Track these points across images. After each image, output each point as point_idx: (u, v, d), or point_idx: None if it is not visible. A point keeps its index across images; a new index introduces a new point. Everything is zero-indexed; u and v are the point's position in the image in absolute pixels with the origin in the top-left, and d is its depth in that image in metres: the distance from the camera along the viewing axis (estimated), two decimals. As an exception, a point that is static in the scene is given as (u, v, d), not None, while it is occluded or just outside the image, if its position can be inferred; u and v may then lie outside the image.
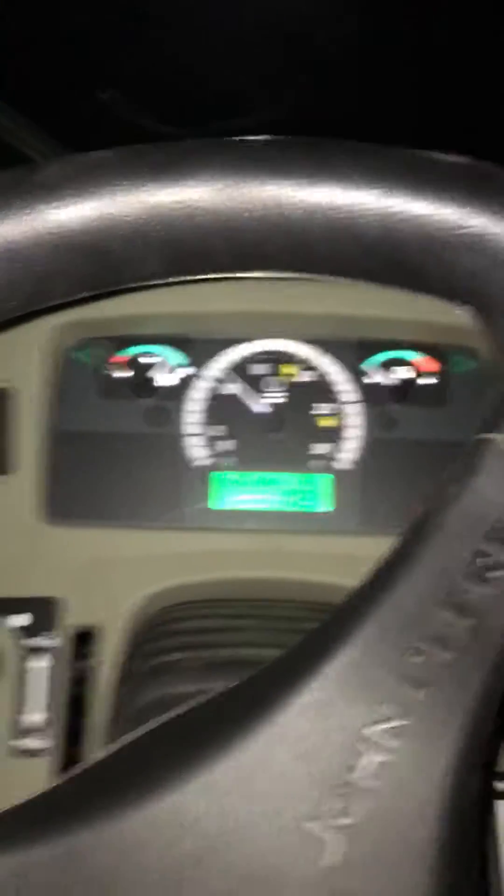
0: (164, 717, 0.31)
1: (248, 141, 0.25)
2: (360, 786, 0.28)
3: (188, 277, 0.27)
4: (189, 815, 0.28)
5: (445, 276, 0.25)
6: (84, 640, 0.57)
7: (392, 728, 0.28)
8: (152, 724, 0.31)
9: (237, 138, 0.25)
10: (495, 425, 0.28)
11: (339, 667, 0.29)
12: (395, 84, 0.71)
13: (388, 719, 0.28)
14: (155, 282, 0.27)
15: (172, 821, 0.28)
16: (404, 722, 0.28)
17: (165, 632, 0.48)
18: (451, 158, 0.25)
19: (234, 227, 0.25)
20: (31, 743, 0.51)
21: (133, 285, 0.26)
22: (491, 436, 0.27)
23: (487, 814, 0.47)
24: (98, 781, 0.30)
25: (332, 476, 0.58)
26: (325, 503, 0.57)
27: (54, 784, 0.31)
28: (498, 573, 0.28)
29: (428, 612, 0.28)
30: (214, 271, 0.26)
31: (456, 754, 0.28)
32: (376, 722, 0.28)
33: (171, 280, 0.27)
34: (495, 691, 0.29)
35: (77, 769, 0.31)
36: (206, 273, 0.26)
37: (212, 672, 0.42)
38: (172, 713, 0.32)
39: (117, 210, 0.25)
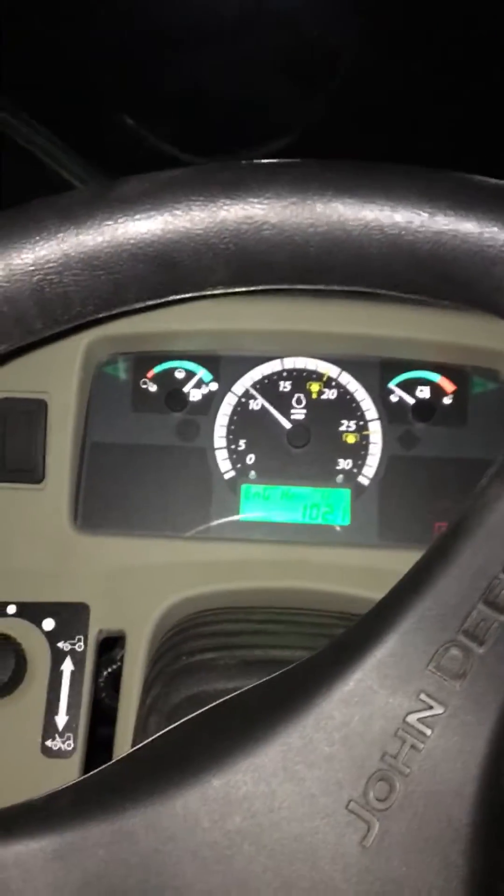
0: (209, 707, 0.33)
1: (310, 161, 0.27)
2: (399, 771, 0.29)
3: (252, 288, 0.29)
4: (238, 794, 0.29)
5: (493, 290, 0.27)
6: (111, 645, 0.58)
7: (430, 717, 0.30)
8: (197, 713, 0.33)
9: (300, 160, 0.28)
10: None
11: (380, 657, 0.30)
12: (416, 107, 0.74)
13: (426, 709, 0.30)
14: (221, 291, 0.29)
15: (222, 799, 0.29)
16: (441, 711, 0.30)
17: (197, 633, 0.50)
18: (498, 182, 0.27)
19: (298, 242, 0.27)
20: (62, 744, 0.52)
21: (198, 293, 0.28)
22: (530, 440, 0.29)
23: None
24: (147, 764, 0.32)
25: (353, 491, 0.59)
26: (346, 517, 0.59)
27: (104, 766, 0.33)
28: (532, 571, 0.29)
29: (465, 608, 0.30)
30: (276, 283, 0.28)
31: (490, 742, 0.30)
32: (415, 711, 0.30)
33: (233, 289, 0.29)
34: None
35: (128, 753, 0.33)
36: (269, 284, 0.28)
37: (247, 670, 0.44)
38: (217, 703, 0.33)
39: (190, 224, 0.27)
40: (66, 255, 0.26)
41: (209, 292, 0.29)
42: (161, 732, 0.33)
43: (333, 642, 0.32)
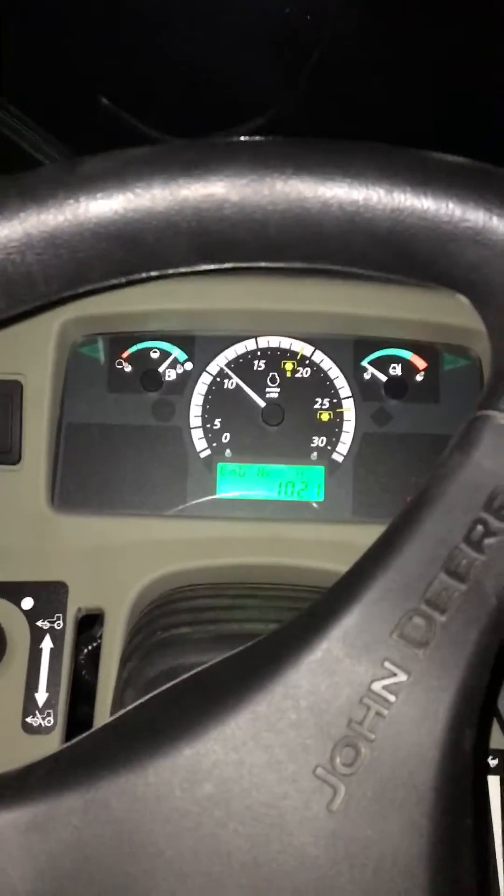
0: (180, 679, 0.34)
1: (270, 140, 0.28)
2: (364, 737, 0.30)
3: (214, 266, 0.29)
4: (208, 762, 0.30)
5: (450, 266, 0.27)
6: (91, 623, 0.59)
7: (394, 684, 0.30)
8: (170, 684, 0.34)
9: (261, 138, 0.28)
10: (492, 403, 0.30)
11: (345, 627, 0.31)
12: (394, 89, 0.73)
13: (391, 676, 0.31)
14: (183, 269, 0.29)
15: (192, 767, 0.30)
16: (405, 678, 0.30)
17: (172, 609, 0.50)
18: (456, 159, 0.28)
19: (259, 220, 0.27)
20: (42, 720, 0.53)
21: (163, 272, 0.29)
22: (489, 412, 0.30)
23: (480, 771, 0.49)
24: (120, 735, 0.32)
25: (327, 468, 0.60)
26: (320, 493, 0.60)
27: (78, 738, 0.33)
28: (492, 540, 0.30)
29: (428, 578, 0.31)
30: (240, 261, 0.29)
31: (452, 708, 0.30)
32: (379, 678, 0.31)
33: (197, 268, 0.29)
34: (488, 652, 0.31)
35: (102, 725, 0.33)
36: (231, 262, 0.29)
37: (221, 644, 0.45)
38: (188, 674, 0.34)
39: (151, 202, 0.27)
40: (28, 235, 0.27)
41: (174, 271, 0.29)
42: (134, 704, 0.34)
43: (302, 614, 0.33)
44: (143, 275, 0.29)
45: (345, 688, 0.30)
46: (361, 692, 0.30)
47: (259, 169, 0.27)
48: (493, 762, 0.51)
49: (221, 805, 0.30)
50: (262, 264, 0.29)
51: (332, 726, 0.30)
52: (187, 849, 0.29)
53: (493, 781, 0.50)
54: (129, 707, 0.33)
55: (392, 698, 0.30)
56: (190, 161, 0.27)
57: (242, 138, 0.28)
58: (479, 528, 0.30)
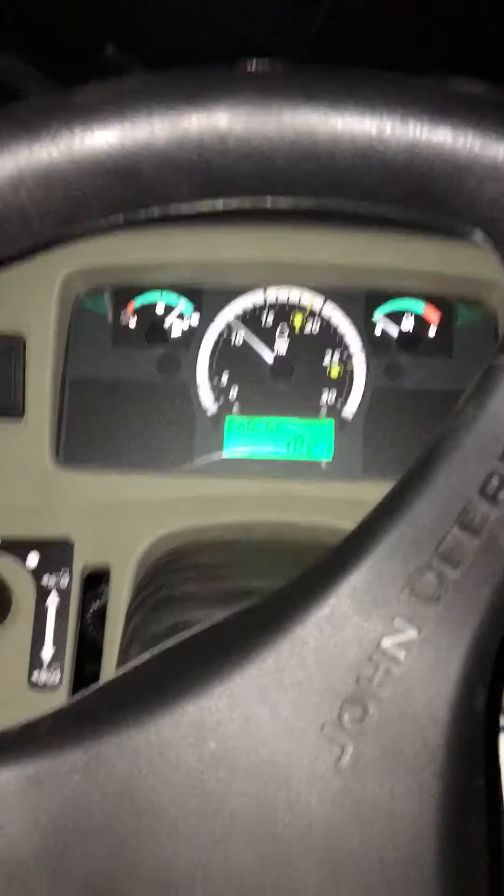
0: (185, 634, 0.33)
1: (278, 67, 0.26)
2: (373, 694, 0.29)
3: (219, 204, 0.27)
4: (212, 719, 0.29)
5: (468, 202, 0.26)
6: (98, 581, 0.58)
7: (404, 641, 0.30)
8: (173, 640, 0.33)
9: (268, 65, 0.26)
10: (510, 349, 0.29)
11: (354, 582, 0.30)
12: (407, 36, 0.71)
13: (401, 633, 0.30)
14: (186, 207, 0.27)
15: (196, 724, 0.29)
16: (415, 635, 0.30)
17: (178, 566, 0.50)
18: (474, 88, 0.26)
19: (265, 153, 0.26)
20: (48, 677, 0.53)
21: (164, 209, 0.27)
22: (506, 359, 0.29)
23: (492, 730, 0.48)
24: (124, 691, 0.31)
25: (337, 424, 0.59)
26: (329, 450, 0.59)
27: (79, 696, 0.33)
28: (509, 493, 0.29)
29: (440, 532, 0.30)
30: (244, 197, 0.27)
31: (463, 666, 0.29)
32: (389, 635, 0.30)
33: (200, 205, 0.28)
34: (502, 608, 0.30)
35: (105, 682, 0.33)
36: (236, 199, 0.27)
37: (226, 600, 0.44)
38: (193, 630, 0.33)
39: (151, 135, 0.25)
40: (20, 169, 0.25)
41: (176, 209, 0.28)
42: (137, 661, 0.33)
43: (309, 569, 0.32)
44: (143, 213, 0.27)
45: (353, 645, 0.30)
46: (370, 649, 0.30)
47: (266, 98, 0.25)
48: (503, 720, 0.50)
49: (226, 763, 0.29)
50: (269, 202, 0.27)
51: (340, 683, 0.29)
52: (191, 807, 0.29)
53: (503, 740, 0.50)
54: (133, 663, 0.33)
55: (402, 655, 0.29)
56: (192, 90, 0.26)
57: (248, 66, 0.27)
58: (495, 480, 0.29)
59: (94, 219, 0.27)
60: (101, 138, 0.25)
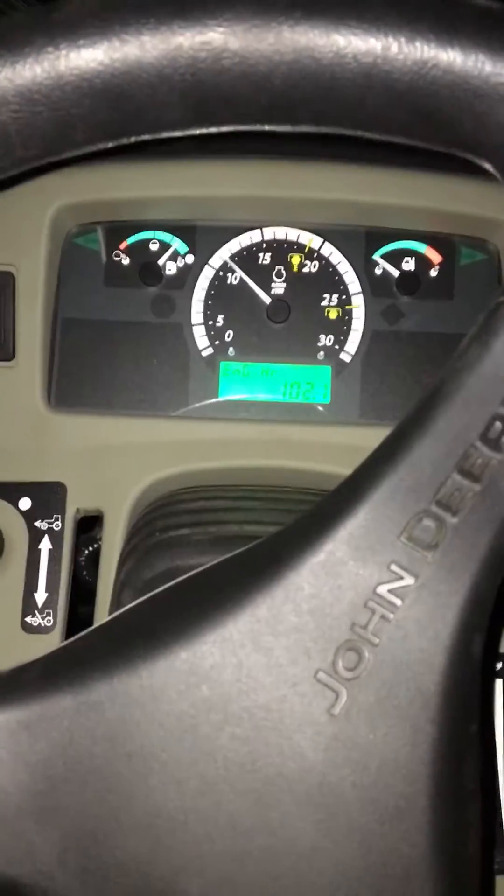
0: (178, 580, 0.32)
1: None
2: (368, 641, 0.29)
3: (213, 129, 0.26)
4: (205, 665, 0.29)
5: (476, 128, 0.24)
6: (90, 525, 0.58)
7: (400, 588, 0.29)
8: (166, 586, 0.32)
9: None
10: (518, 286, 0.27)
11: (350, 528, 0.29)
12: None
13: (397, 579, 0.29)
14: (178, 132, 0.26)
15: (188, 669, 0.29)
16: (412, 582, 0.29)
17: (172, 511, 0.49)
18: (487, 4, 0.24)
19: (262, 72, 0.24)
20: (42, 620, 0.52)
21: (156, 135, 0.26)
22: (512, 297, 0.27)
23: (489, 677, 0.49)
24: (115, 636, 0.31)
25: (334, 368, 0.58)
26: (326, 395, 0.58)
27: (70, 641, 0.32)
28: (511, 438, 0.28)
29: (439, 477, 0.29)
30: (240, 122, 0.25)
31: (460, 613, 0.29)
32: (385, 582, 0.29)
33: (194, 131, 0.26)
34: (500, 556, 0.30)
35: (95, 626, 0.32)
36: (231, 124, 0.26)
37: (220, 545, 0.43)
38: (186, 576, 0.32)
39: (141, 51, 0.24)
40: (1, 90, 0.24)
41: (168, 134, 0.26)
42: (129, 606, 0.32)
43: (305, 514, 0.31)
44: (133, 139, 0.26)
45: (349, 591, 0.29)
46: (366, 595, 0.29)
47: (263, 12, 0.23)
48: (498, 665, 0.50)
49: (218, 708, 0.29)
50: (267, 128, 0.26)
51: (335, 630, 0.29)
52: (182, 752, 0.28)
53: (498, 685, 0.50)
54: (125, 608, 0.32)
55: (398, 602, 0.29)
56: (185, 4, 0.24)
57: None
58: (498, 424, 0.28)
59: (81, 145, 0.26)
60: (87, 56, 0.24)
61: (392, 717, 0.29)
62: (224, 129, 0.26)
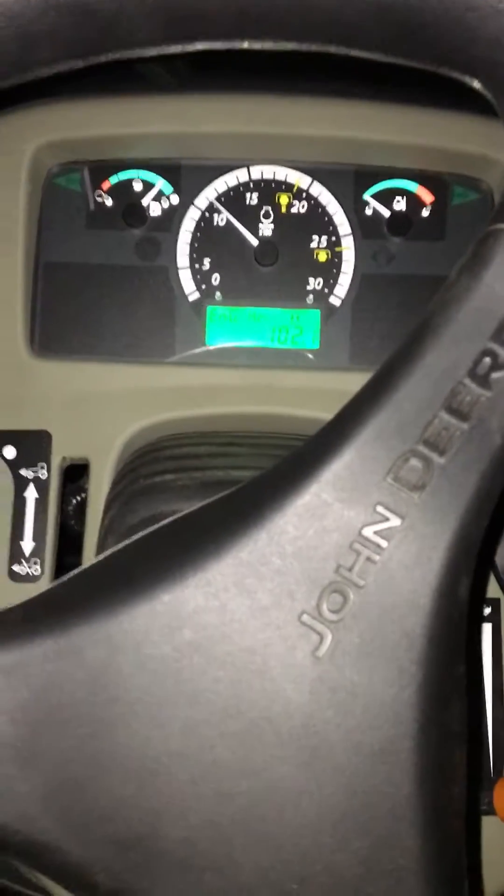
0: (162, 524, 0.32)
1: None
2: (353, 583, 0.28)
3: (185, 47, 0.24)
4: (188, 608, 0.28)
5: (465, 43, 0.23)
6: (76, 473, 0.57)
7: (386, 529, 0.28)
8: (149, 530, 0.32)
9: None
10: (508, 214, 0.26)
11: (335, 469, 0.29)
12: None
13: (383, 521, 0.28)
14: (150, 51, 0.24)
15: (171, 612, 0.28)
16: (398, 523, 0.28)
17: (157, 457, 0.48)
18: None
19: None
20: (29, 568, 0.52)
21: (126, 54, 0.24)
22: (503, 226, 0.26)
23: (476, 620, 0.48)
24: (96, 580, 0.31)
25: (323, 312, 0.56)
26: (316, 340, 0.56)
27: (51, 586, 0.32)
28: (500, 374, 0.27)
29: (427, 416, 0.28)
30: (213, 39, 0.24)
31: (447, 553, 0.28)
32: (371, 523, 0.28)
33: (166, 50, 0.25)
34: (489, 496, 0.29)
35: (75, 572, 0.32)
36: (206, 41, 0.24)
37: (205, 491, 0.43)
38: (168, 520, 0.32)
39: None
40: None
41: (140, 54, 0.25)
42: (110, 550, 0.32)
43: (289, 456, 0.30)
44: (103, 58, 0.24)
45: (333, 533, 0.28)
46: (351, 537, 0.28)
47: None
48: (486, 610, 0.50)
49: (202, 651, 0.28)
50: (243, 45, 0.24)
51: (319, 572, 0.28)
52: (165, 695, 0.28)
53: (485, 629, 0.50)
54: (106, 553, 0.32)
55: (384, 543, 0.28)
56: None
57: None
58: (487, 360, 0.27)
59: (48, 63, 0.24)
60: None
61: (377, 659, 0.28)
62: (197, 47, 0.24)
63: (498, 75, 0.24)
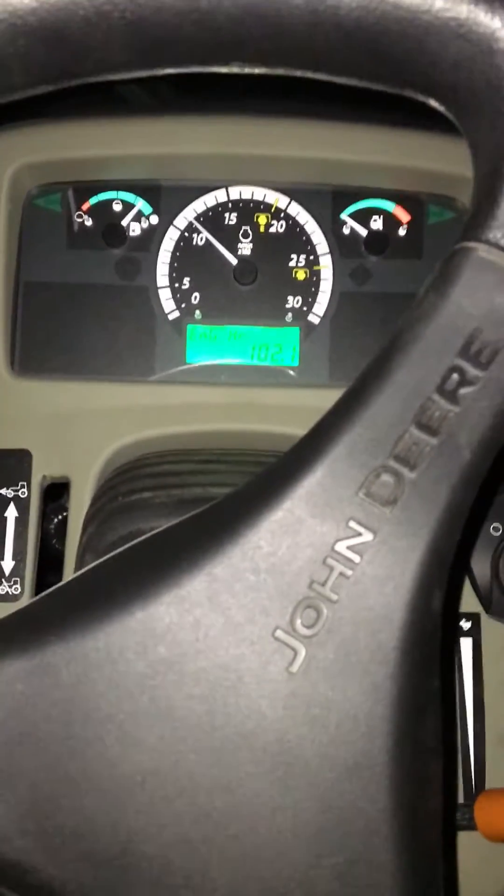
0: (136, 541, 0.32)
1: None
2: (327, 598, 0.28)
3: (158, 71, 0.25)
4: (162, 625, 0.28)
5: (427, 67, 0.23)
6: (56, 492, 0.57)
7: (359, 544, 0.29)
8: (123, 548, 0.32)
9: None
10: (475, 233, 0.27)
11: (308, 486, 0.29)
12: None
13: (356, 536, 0.29)
14: (120, 75, 0.25)
15: (145, 630, 0.28)
16: (371, 538, 0.29)
17: (136, 475, 0.48)
18: None
19: (205, 9, 0.23)
20: (9, 588, 0.52)
21: (99, 77, 0.25)
22: (470, 244, 0.27)
23: (450, 633, 0.49)
24: (70, 598, 0.31)
25: (302, 330, 0.57)
26: (295, 357, 0.57)
27: (26, 605, 0.32)
28: (468, 390, 0.28)
29: (397, 432, 0.28)
30: (184, 64, 0.24)
31: (420, 568, 0.29)
32: (344, 538, 0.29)
33: (136, 74, 0.25)
34: (460, 510, 0.29)
35: (50, 590, 0.32)
36: (175, 66, 0.25)
37: (183, 508, 0.43)
38: (143, 537, 0.32)
39: None
40: None
41: (112, 77, 0.25)
42: (87, 567, 0.32)
43: (262, 473, 0.31)
44: (75, 82, 0.25)
45: (306, 548, 0.29)
46: (324, 552, 0.29)
47: None
48: (465, 625, 0.51)
49: (175, 668, 0.28)
50: (214, 69, 0.25)
51: (293, 587, 0.28)
52: (139, 712, 0.28)
53: (465, 644, 0.50)
54: (81, 571, 0.32)
55: (357, 558, 0.28)
56: None
57: None
58: (455, 376, 0.28)
59: (20, 88, 0.25)
60: None
61: (351, 674, 0.28)
62: (169, 70, 0.25)
63: (459, 98, 0.24)
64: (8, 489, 0.53)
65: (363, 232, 0.57)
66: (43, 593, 0.31)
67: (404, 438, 0.28)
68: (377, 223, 0.57)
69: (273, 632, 0.28)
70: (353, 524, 0.29)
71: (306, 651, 0.28)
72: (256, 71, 0.25)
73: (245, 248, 0.57)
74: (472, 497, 0.29)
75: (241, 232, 0.57)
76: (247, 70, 0.25)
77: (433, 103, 0.25)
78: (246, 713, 0.28)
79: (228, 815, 0.28)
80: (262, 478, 0.31)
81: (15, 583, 0.52)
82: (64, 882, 0.28)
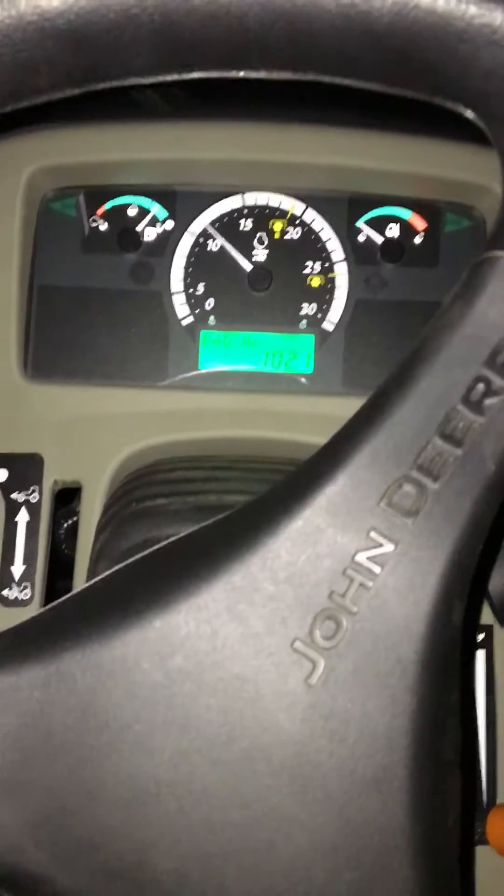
0: (154, 548, 0.31)
1: None
2: (347, 609, 0.28)
3: (185, 75, 0.25)
4: (179, 634, 0.28)
5: (459, 74, 0.23)
6: (68, 497, 0.57)
7: (380, 555, 0.28)
8: (141, 555, 0.32)
9: None
10: (502, 242, 0.26)
11: (329, 495, 0.29)
12: None
13: (377, 546, 0.28)
14: (147, 79, 0.25)
15: (163, 639, 0.28)
16: (392, 549, 0.28)
17: (149, 481, 0.48)
18: None
19: (235, 14, 0.23)
20: (19, 593, 0.52)
21: (125, 82, 0.25)
22: (498, 253, 0.26)
23: (470, 646, 0.48)
24: (87, 605, 0.30)
25: (317, 337, 0.57)
26: (309, 364, 0.57)
27: (41, 611, 0.31)
28: (494, 400, 0.27)
29: (420, 442, 0.28)
30: (213, 68, 0.24)
31: (441, 580, 0.28)
32: (365, 549, 0.28)
33: (163, 78, 0.25)
34: (482, 522, 0.29)
35: (66, 597, 0.31)
36: (203, 70, 0.24)
37: (198, 515, 0.42)
38: (161, 545, 0.32)
39: None
40: None
41: (137, 81, 0.25)
42: (103, 575, 0.32)
43: (283, 481, 0.30)
44: (101, 85, 0.25)
45: (327, 559, 0.28)
46: (345, 563, 0.28)
47: None
48: (478, 636, 0.50)
49: (193, 678, 0.28)
50: (242, 74, 0.25)
51: (312, 598, 0.28)
52: (156, 722, 0.28)
53: (478, 656, 0.49)
54: (97, 578, 0.31)
55: (378, 570, 0.28)
56: None
57: None
58: (480, 386, 0.27)
59: (46, 91, 0.24)
60: None
61: (370, 687, 0.28)
62: (196, 75, 0.25)
63: (491, 106, 0.24)
64: (20, 493, 0.53)
65: (379, 239, 0.57)
66: (59, 600, 0.31)
67: (428, 449, 0.28)
68: (393, 231, 0.57)
69: (292, 643, 0.28)
70: (374, 535, 0.28)
71: (325, 663, 0.28)
72: (285, 76, 0.25)
73: (260, 254, 0.57)
74: (496, 509, 0.29)
75: (257, 238, 0.57)
76: (275, 76, 0.25)
77: (463, 111, 0.24)
78: (264, 725, 0.28)
79: (245, 829, 0.27)
80: (282, 486, 0.30)
81: (25, 587, 0.52)
82: (78, 894, 0.27)
